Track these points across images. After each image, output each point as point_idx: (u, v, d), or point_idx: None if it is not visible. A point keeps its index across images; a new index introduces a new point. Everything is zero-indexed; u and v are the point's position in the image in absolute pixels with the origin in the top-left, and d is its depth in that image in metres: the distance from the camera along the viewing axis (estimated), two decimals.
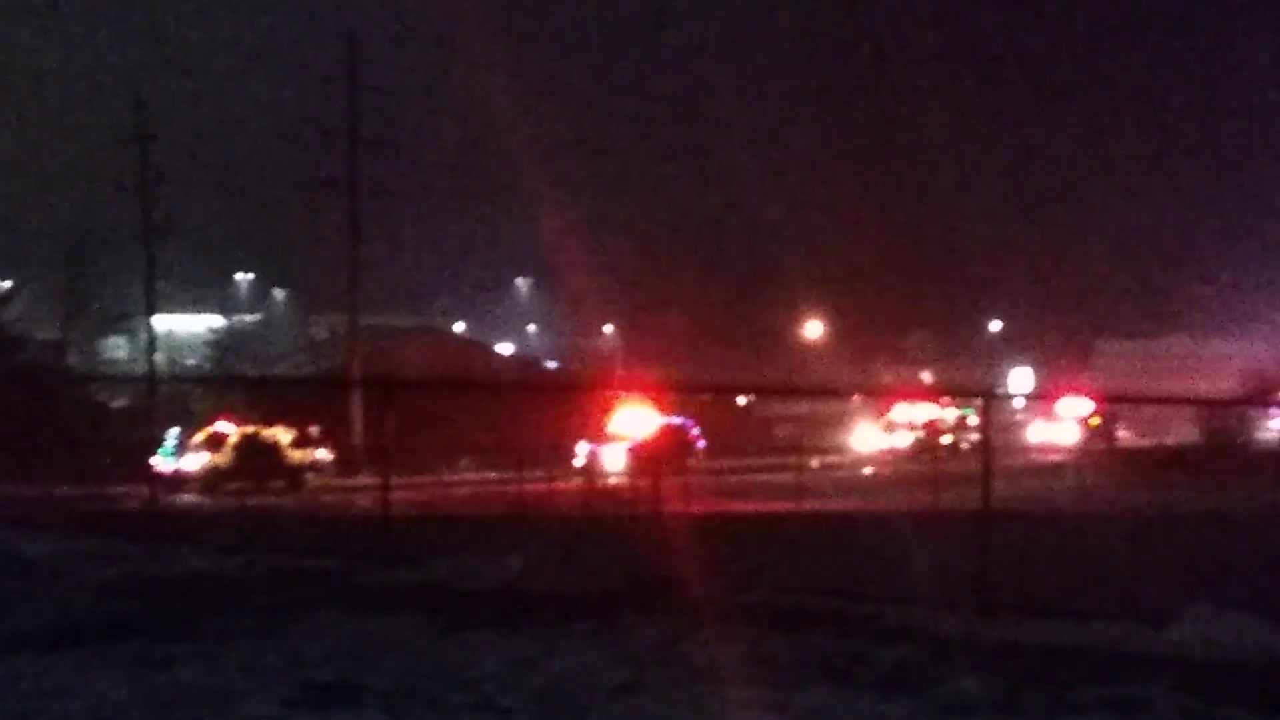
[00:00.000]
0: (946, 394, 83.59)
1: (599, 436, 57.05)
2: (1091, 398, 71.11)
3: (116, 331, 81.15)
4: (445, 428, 58.14)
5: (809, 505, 35.65)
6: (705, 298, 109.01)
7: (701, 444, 60.82)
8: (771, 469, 51.81)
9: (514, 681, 11.80)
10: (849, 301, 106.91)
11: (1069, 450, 62.93)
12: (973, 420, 72.30)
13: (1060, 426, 70.34)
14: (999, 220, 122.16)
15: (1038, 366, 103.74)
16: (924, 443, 67.19)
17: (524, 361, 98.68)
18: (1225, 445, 48.98)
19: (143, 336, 75.00)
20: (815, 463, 58.24)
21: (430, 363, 73.53)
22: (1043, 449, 63.58)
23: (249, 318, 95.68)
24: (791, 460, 50.54)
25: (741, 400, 78.91)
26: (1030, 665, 12.45)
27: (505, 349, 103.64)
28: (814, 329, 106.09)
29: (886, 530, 23.33)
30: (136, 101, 71.79)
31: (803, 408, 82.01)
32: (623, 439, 55.86)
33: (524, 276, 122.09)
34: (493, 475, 47.16)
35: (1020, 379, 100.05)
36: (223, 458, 54.41)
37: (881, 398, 70.29)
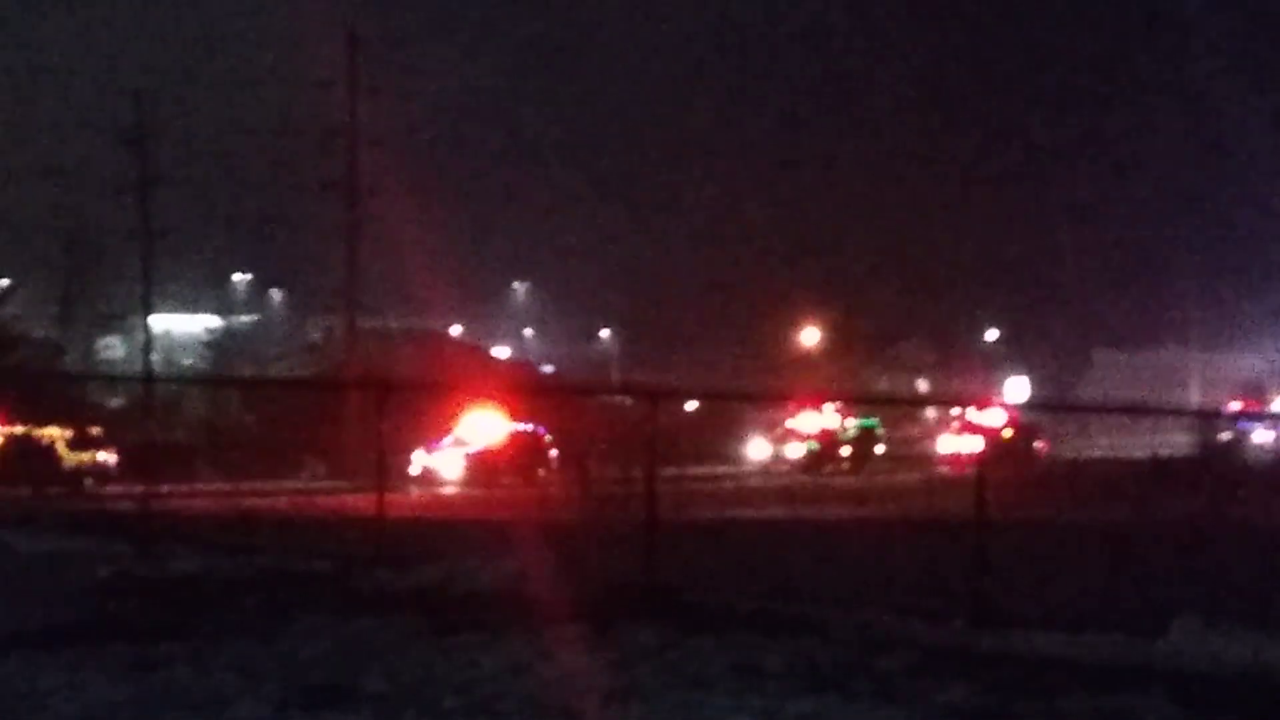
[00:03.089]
0: (868, 400, 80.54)
1: (436, 444, 54.54)
2: (1003, 408, 67.52)
3: (113, 331, 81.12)
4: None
5: (803, 513, 35.51)
6: (703, 304, 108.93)
7: (554, 453, 55.73)
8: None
9: (508, 685, 11.83)
10: (846, 309, 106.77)
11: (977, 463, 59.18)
12: (881, 432, 69.84)
13: (969, 439, 67.03)
14: (998, 229, 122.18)
15: (1034, 375, 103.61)
16: (818, 454, 64.23)
17: (520, 365, 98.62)
18: (1210, 457, 48.56)
19: (139, 336, 74.97)
20: (720, 470, 56.55)
21: (427, 365, 73.35)
22: (950, 461, 59.39)
23: (246, 318, 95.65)
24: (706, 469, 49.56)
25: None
26: (1022, 676, 12.47)
27: (502, 352, 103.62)
28: (810, 336, 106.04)
29: (865, 539, 23.33)
30: (136, 101, 71.79)
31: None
32: (464, 446, 54.09)
33: (521, 280, 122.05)
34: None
35: (1016, 388, 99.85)
36: None
37: (784, 405, 65.76)
